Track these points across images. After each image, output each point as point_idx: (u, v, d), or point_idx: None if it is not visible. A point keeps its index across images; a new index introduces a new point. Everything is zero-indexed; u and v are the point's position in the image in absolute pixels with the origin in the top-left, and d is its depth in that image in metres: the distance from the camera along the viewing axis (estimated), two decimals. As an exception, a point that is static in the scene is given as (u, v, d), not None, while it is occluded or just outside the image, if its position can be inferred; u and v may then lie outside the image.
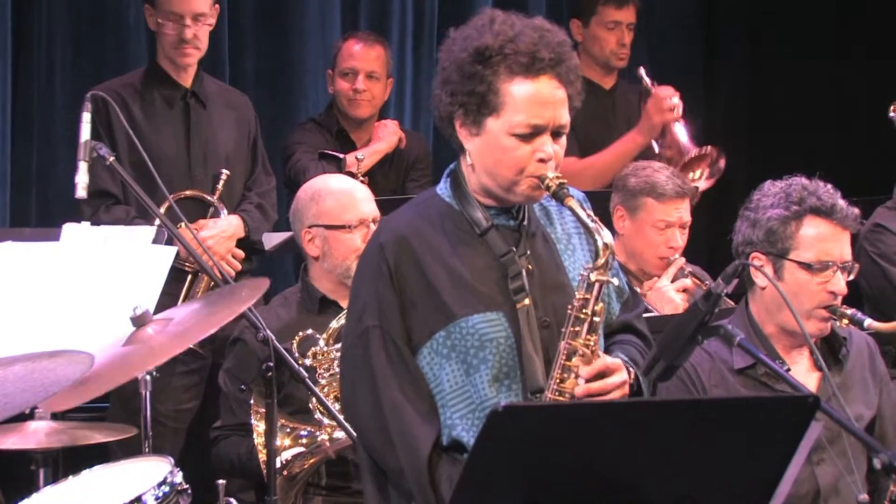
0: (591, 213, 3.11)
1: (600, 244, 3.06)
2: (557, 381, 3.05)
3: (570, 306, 3.07)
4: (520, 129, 3.07)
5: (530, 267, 3.14)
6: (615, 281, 3.13)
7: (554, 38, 3.12)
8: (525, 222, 3.18)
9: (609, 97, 6.01)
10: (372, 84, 5.65)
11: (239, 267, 5.13)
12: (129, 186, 4.06)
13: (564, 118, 3.11)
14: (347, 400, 3.21)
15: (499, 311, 3.10)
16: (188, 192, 5.11)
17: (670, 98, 5.66)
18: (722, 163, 5.58)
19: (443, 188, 3.22)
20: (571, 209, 3.08)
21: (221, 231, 5.08)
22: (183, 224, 4.40)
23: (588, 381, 3.03)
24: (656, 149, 5.70)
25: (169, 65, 5.19)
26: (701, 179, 5.60)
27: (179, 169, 5.12)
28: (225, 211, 5.14)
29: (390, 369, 3.10)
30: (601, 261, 3.06)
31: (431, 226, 3.16)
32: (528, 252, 3.16)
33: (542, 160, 3.08)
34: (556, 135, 3.11)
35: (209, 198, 5.14)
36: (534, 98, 3.07)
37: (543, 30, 3.13)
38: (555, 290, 3.14)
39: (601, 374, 3.05)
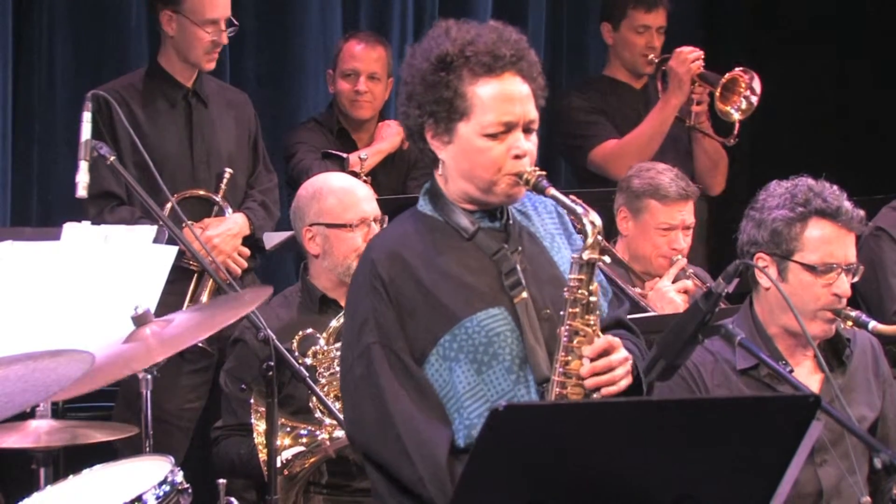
0: (575, 198, 3.12)
1: (587, 222, 3.06)
2: (562, 363, 3.06)
3: (565, 289, 3.08)
4: (492, 128, 3.09)
5: (523, 263, 3.15)
6: (607, 258, 3.13)
7: (511, 36, 3.14)
8: (510, 222, 3.19)
9: (640, 94, 6.05)
10: (373, 85, 5.65)
11: (245, 265, 5.14)
12: (131, 187, 4.05)
13: (533, 113, 3.13)
14: (352, 419, 3.19)
15: (500, 306, 3.11)
16: (192, 192, 5.11)
17: (691, 50, 5.72)
18: (749, 76, 5.63)
19: (422, 204, 3.22)
20: (555, 197, 3.08)
21: (227, 229, 5.08)
22: (186, 224, 4.40)
23: (592, 360, 3.04)
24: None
25: (172, 65, 5.17)
26: (746, 105, 5.66)
27: (183, 168, 5.13)
28: (230, 209, 5.13)
29: (397, 382, 3.09)
30: (590, 240, 3.06)
31: (420, 236, 3.16)
32: (519, 248, 3.17)
33: (517, 156, 3.09)
34: (527, 131, 3.12)
35: (214, 197, 5.14)
36: (500, 95, 3.09)
37: (500, 29, 3.15)
38: (550, 283, 3.14)
39: (604, 352, 3.05)
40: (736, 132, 5.75)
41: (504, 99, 3.09)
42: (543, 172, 3.09)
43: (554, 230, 3.25)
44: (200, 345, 4.75)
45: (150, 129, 5.08)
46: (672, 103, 5.76)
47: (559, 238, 3.24)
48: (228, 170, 5.16)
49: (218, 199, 5.14)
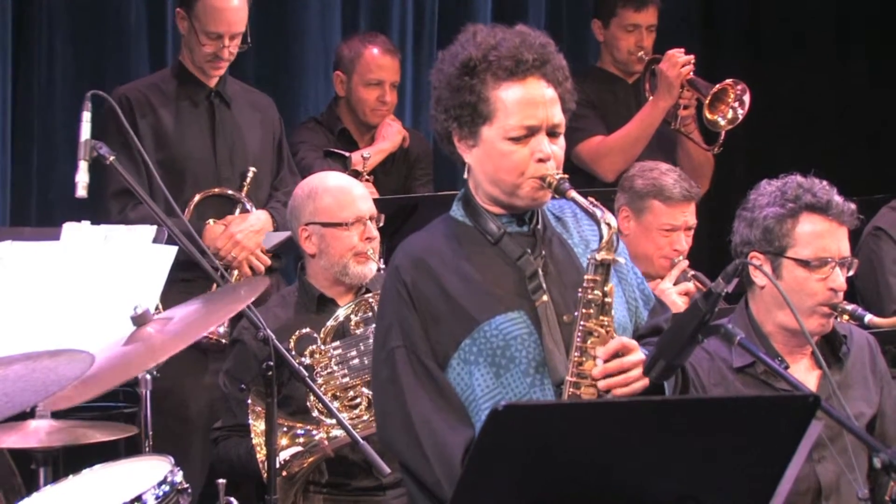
0: (594, 201, 3.12)
1: (603, 224, 3.08)
2: (576, 364, 3.07)
3: (579, 289, 3.09)
4: (514, 132, 3.11)
5: (547, 266, 3.16)
6: (622, 260, 3.14)
7: (536, 41, 3.16)
8: (538, 226, 3.21)
9: (632, 89, 6.05)
10: (394, 93, 5.69)
11: (268, 262, 5.13)
12: (133, 186, 4.04)
13: (558, 117, 3.15)
14: (380, 424, 3.23)
15: (519, 310, 3.13)
16: (216, 190, 5.11)
17: (682, 54, 5.70)
18: (740, 87, 5.60)
19: (455, 209, 3.26)
20: (574, 200, 3.10)
21: (250, 225, 5.07)
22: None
23: (605, 361, 3.05)
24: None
25: (192, 64, 5.18)
26: (732, 115, 5.62)
27: (206, 167, 5.12)
28: (253, 208, 5.12)
29: (418, 385, 3.12)
30: (605, 241, 3.07)
31: (446, 242, 3.20)
32: (544, 253, 3.18)
33: (540, 160, 3.11)
34: (552, 135, 3.14)
35: (237, 195, 5.13)
36: (523, 100, 3.11)
37: (525, 34, 3.17)
38: (573, 288, 3.14)
39: (618, 354, 3.06)
40: (721, 141, 5.72)
41: (527, 103, 3.11)
42: (565, 176, 3.11)
43: (591, 237, 3.25)
44: (224, 341, 4.76)
45: (173, 129, 5.08)
46: (660, 106, 5.73)
47: (595, 244, 3.21)
48: (252, 168, 5.16)
49: (241, 196, 5.13)
